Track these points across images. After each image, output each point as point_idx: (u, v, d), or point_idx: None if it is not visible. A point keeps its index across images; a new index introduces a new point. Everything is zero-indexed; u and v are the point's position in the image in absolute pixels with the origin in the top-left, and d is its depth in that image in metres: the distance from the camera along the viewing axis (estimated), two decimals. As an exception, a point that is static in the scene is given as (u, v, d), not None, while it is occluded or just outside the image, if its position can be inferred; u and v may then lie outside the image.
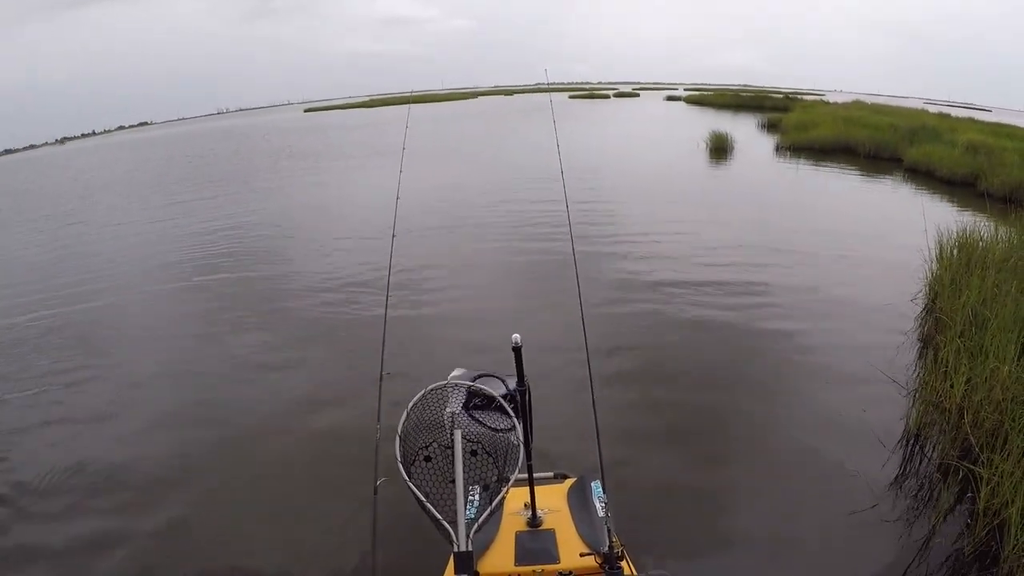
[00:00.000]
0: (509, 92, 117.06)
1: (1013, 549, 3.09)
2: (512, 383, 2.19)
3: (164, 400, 5.77)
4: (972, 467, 3.66)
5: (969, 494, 3.68)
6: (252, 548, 3.80)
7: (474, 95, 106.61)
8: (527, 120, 37.99)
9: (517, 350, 2.20)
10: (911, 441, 4.36)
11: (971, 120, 25.29)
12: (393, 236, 3.31)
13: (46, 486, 4.53)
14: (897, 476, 4.02)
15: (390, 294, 3.02)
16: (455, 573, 1.71)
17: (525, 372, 2.24)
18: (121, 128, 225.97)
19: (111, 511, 4.19)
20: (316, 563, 3.58)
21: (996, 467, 3.45)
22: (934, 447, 4.24)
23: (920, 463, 4.16)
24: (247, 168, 25.16)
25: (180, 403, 5.70)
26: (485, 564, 2.23)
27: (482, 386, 2.08)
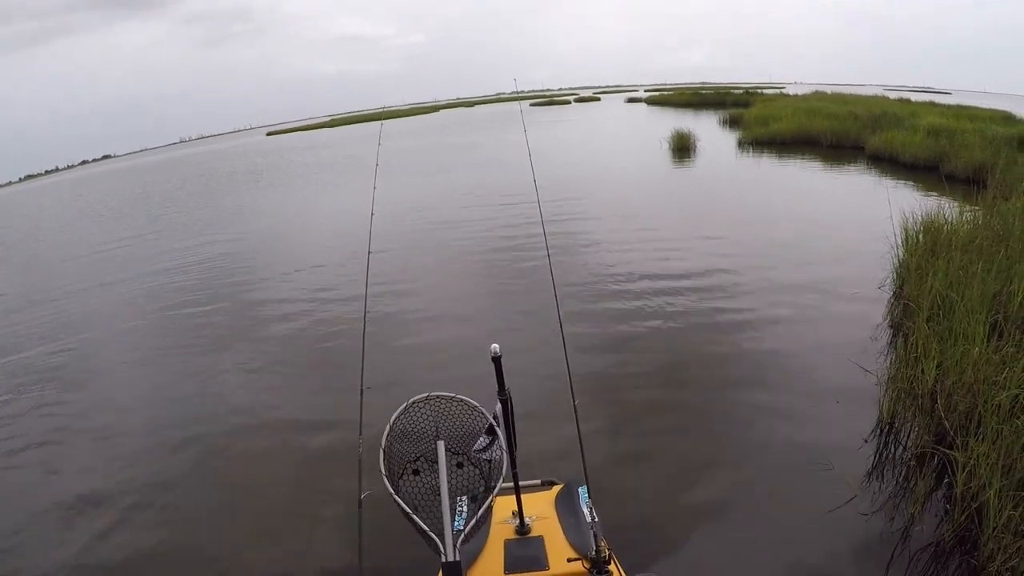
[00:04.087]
0: (470, 104, 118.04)
1: (993, 532, 3.09)
2: (488, 408, 2.19)
3: (144, 425, 5.74)
4: (948, 452, 3.67)
5: (946, 480, 3.69)
6: (238, 566, 3.74)
7: (435, 108, 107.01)
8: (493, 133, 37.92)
9: (497, 360, 2.21)
10: (886, 430, 4.37)
11: (931, 104, 25.80)
12: (369, 252, 3.29)
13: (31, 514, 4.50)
14: (873, 466, 4.02)
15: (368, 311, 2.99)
16: None
17: (506, 382, 2.24)
18: (84, 163, 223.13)
19: (94, 533, 4.15)
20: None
21: (972, 450, 3.44)
22: (909, 435, 4.25)
23: (896, 451, 4.17)
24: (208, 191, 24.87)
25: (159, 426, 5.64)
26: (475, 573, 2.23)
27: (464, 397, 2.09)
